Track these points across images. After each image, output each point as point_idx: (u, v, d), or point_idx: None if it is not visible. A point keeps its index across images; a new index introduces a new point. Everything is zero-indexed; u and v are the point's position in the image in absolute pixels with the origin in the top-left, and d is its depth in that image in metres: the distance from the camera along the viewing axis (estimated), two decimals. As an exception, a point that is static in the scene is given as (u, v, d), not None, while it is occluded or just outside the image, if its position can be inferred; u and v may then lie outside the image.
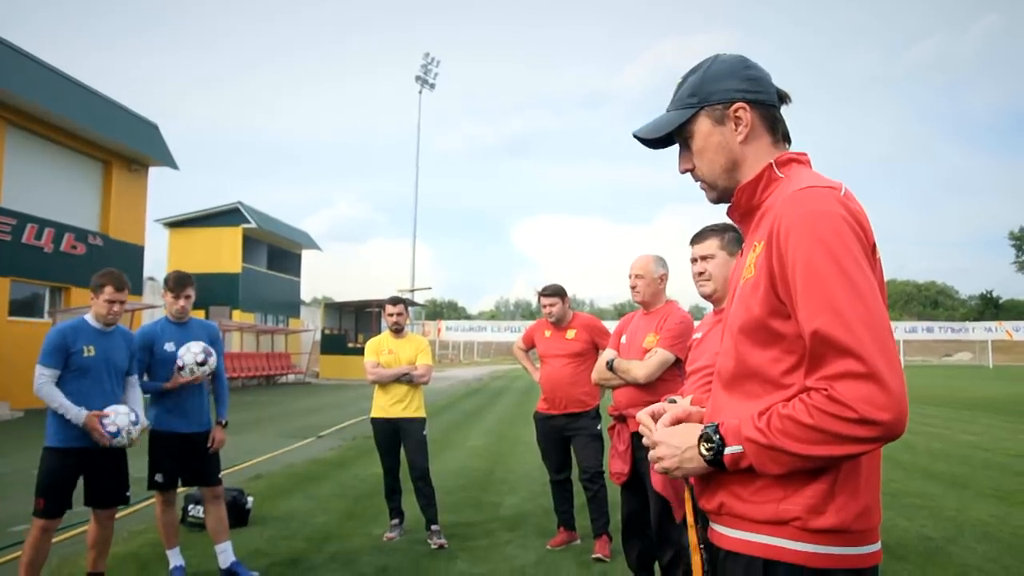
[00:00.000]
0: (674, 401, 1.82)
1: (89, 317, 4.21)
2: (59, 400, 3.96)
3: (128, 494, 4.35)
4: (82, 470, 4.11)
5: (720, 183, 1.63)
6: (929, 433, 11.83)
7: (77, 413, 3.95)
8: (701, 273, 3.27)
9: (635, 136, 1.68)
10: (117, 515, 4.40)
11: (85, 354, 4.08)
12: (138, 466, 4.58)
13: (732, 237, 3.23)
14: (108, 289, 4.12)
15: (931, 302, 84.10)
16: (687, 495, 1.72)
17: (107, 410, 4.06)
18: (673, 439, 1.53)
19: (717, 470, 1.45)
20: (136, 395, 4.34)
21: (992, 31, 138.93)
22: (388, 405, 5.68)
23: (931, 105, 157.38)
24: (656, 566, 4.09)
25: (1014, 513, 6.43)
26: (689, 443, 1.49)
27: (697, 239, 3.32)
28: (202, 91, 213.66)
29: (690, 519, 1.72)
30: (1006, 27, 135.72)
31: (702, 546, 1.70)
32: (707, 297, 3.34)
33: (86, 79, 18.64)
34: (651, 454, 1.58)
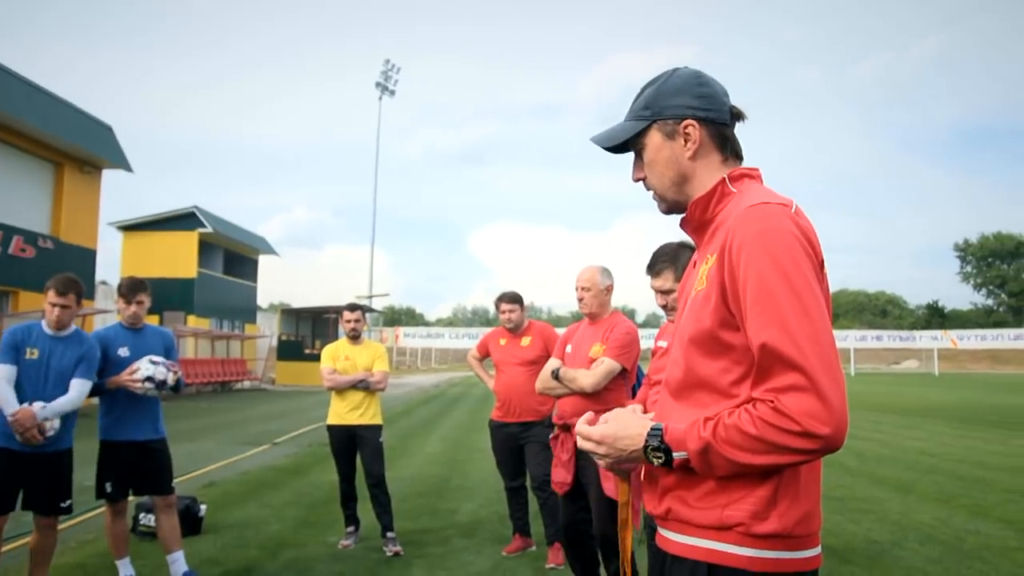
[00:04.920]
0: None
1: (43, 321, 4.21)
2: (8, 402, 3.94)
3: (67, 504, 4.24)
4: (19, 472, 4.04)
5: (669, 195, 1.66)
6: (877, 439, 12.11)
7: (11, 406, 3.92)
8: (664, 306, 3.35)
9: (592, 141, 1.72)
10: (64, 524, 4.32)
11: (27, 356, 4.08)
12: (87, 475, 4.50)
13: (684, 263, 3.21)
14: (50, 292, 4.14)
15: (880, 311, 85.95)
16: (624, 490, 1.75)
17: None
18: (627, 430, 1.52)
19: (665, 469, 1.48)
20: (67, 398, 4.09)
21: (937, 50, 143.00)
22: (344, 412, 5.65)
23: (880, 120, 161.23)
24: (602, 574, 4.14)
25: (955, 516, 6.63)
26: (638, 443, 1.49)
27: (653, 272, 3.35)
28: (157, 92, 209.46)
29: (622, 516, 1.77)
30: (950, 46, 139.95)
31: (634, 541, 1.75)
32: None
33: (37, 78, 18.23)
34: (591, 434, 1.56)
